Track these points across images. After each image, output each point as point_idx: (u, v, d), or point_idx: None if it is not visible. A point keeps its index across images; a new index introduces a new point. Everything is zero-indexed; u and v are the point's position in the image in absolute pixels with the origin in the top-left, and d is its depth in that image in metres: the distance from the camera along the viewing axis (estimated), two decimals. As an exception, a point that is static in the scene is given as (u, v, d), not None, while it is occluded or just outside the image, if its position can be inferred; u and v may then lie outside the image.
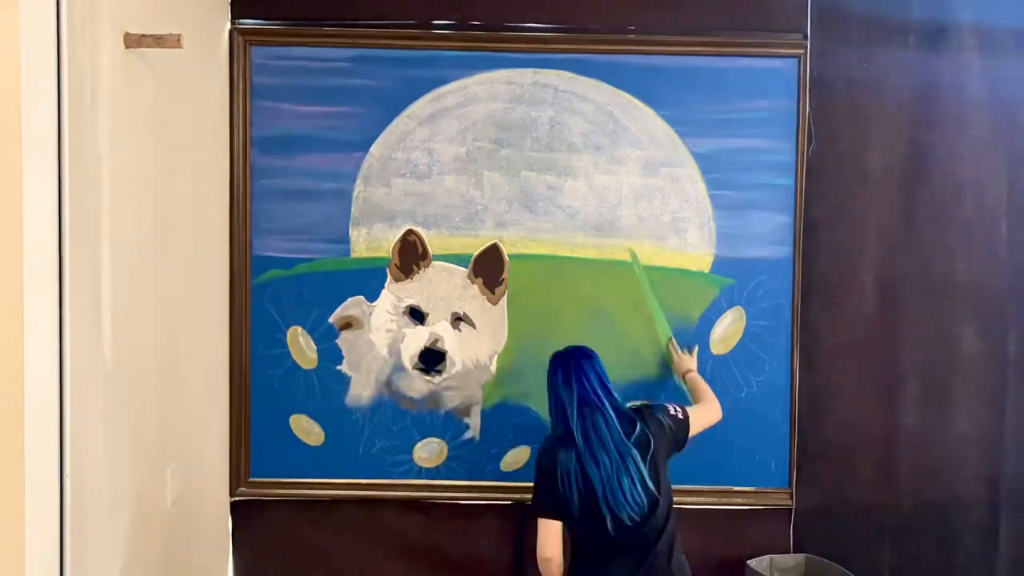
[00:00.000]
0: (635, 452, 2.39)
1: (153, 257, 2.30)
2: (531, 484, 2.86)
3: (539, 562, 2.43)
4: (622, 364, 3.01)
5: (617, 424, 2.43)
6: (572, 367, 2.51)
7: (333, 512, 3.05)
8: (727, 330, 3.04)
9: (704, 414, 2.69)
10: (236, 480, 3.02)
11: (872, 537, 3.06)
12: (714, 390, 2.99)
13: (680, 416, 2.57)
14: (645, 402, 2.71)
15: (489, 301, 3.01)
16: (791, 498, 3.05)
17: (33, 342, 1.75)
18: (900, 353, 3.04)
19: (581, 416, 2.43)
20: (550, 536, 2.41)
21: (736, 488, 3.04)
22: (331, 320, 3.00)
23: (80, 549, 1.88)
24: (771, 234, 3.02)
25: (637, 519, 2.37)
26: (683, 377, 2.93)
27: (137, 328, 2.21)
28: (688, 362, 2.94)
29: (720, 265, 3.02)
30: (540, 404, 3.02)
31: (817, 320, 3.03)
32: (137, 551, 2.24)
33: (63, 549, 1.83)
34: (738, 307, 3.03)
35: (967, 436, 3.05)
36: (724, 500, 3.05)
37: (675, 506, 2.51)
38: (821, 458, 3.04)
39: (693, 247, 3.02)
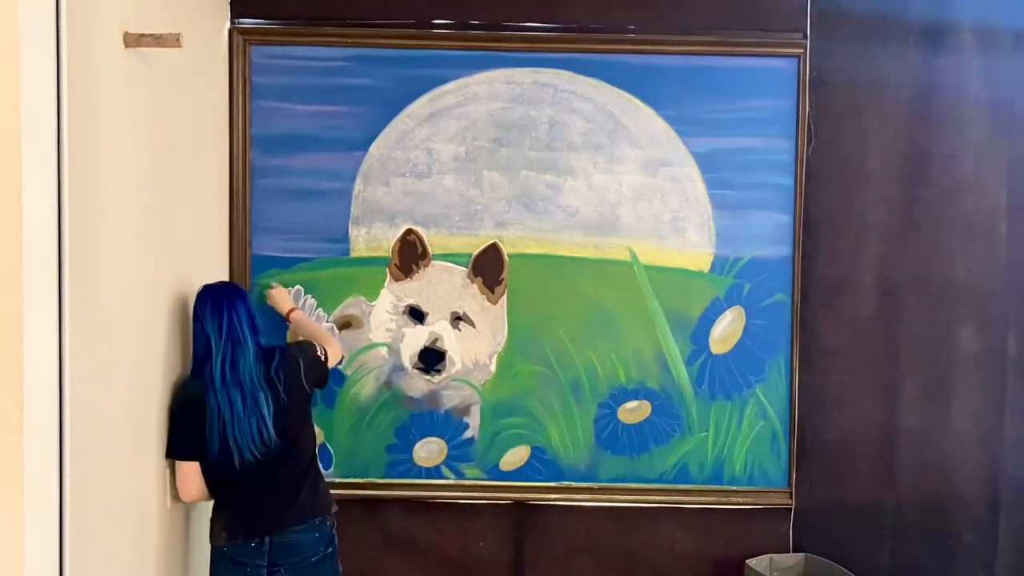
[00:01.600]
0: (266, 389, 2.39)
1: (153, 256, 2.30)
2: (530, 484, 2.88)
3: (184, 500, 2.46)
4: (622, 364, 3.01)
5: (253, 361, 2.39)
6: (224, 301, 2.43)
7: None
8: (727, 330, 3.04)
9: (334, 351, 2.72)
10: (236, 480, 3.01)
11: (872, 537, 3.06)
12: (713, 389, 3.00)
13: (323, 358, 2.59)
14: (293, 342, 2.71)
15: (489, 300, 3.01)
16: (791, 498, 3.05)
17: (33, 342, 1.75)
18: (900, 353, 3.04)
19: (224, 350, 2.38)
20: (190, 478, 2.40)
21: (736, 488, 3.04)
22: (331, 320, 3.00)
23: (80, 549, 1.87)
24: (771, 234, 3.02)
25: (259, 455, 2.36)
26: (287, 317, 2.87)
27: (137, 328, 2.20)
28: (282, 302, 2.88)
29: (720, 265, 3.02)
30: (540, 403, 3.02)
31: (817, 320, 3.03)
32: (137, 551, 2.24)
33: (63, 549, 1.82)
34: (738, 307, 3.03)
35: (967, 436, 3.05)
36: (724, 500, 3.05)
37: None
38: (821, 458, 3.04)
39: (693, 247, 3.02)
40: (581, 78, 2.99)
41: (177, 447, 2.39)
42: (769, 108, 3.00)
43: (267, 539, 2.43)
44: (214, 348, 2.37)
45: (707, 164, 3.00)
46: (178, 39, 2.09)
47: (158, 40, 2.09)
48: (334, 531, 2.54)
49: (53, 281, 1.78)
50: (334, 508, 2.56)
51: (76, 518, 1.85)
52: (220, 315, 2.40)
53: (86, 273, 1.90)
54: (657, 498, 3.05)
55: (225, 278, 2.94)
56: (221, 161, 2.91)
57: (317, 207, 2.98)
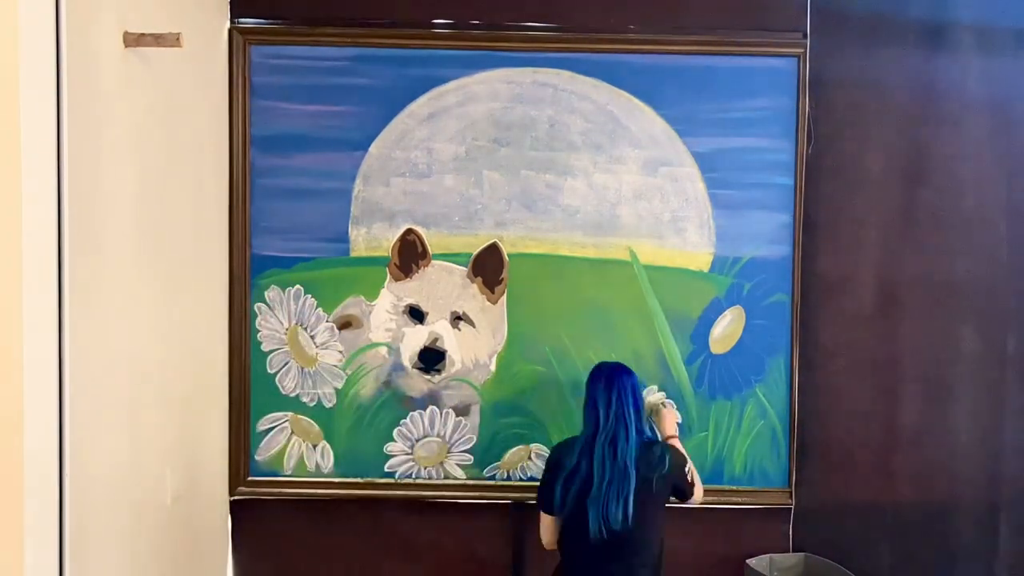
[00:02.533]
0: (637, 473, 2.46)
1: (152, 256, 2.30)
2: (530, 484, 2.87)
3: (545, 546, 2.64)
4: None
5: (635, 445, 2.48)
6: (615, 380, 2.56)
7: (333, 512, 3.05)
8: (727, 329, 3.04)
9: (700, 491, 2.71)
10: (236, 479, 3.02)
11: (872, 536, 3.06)
12: (713, 389, 3.02)
13: (690, 479, 2.63)
14: (675, 448, 2.67)
15: (489, 300, 3.01)
16: (791, 498, 3.05)
17: (33, 342, 1.75)
18: (900, 353, 3.04)
19: (608, 427, 2.50)
20: (547, 530, 2.61)
21: (736, 488, 3.04)
22: (331, 319, 3.00)
23: (80, 549, 1.88)
24: (771, 233, 3.02)
25: (614, 530, 2.43)
26: (665, 440, 2.79)
27: (137, 327, 2.20)
28: (669, 424, 2.85)
29: (720, 264, 3.02)
30: (540, 403, 3.02)
31: (817, 320, 3.03)
32: (137, 551, 2.24)
33: (63, 549, 1.82)
34: (738, 306, 3.03)
35: (967, 435, 3.05)
36: (724, 500, 3.05)
37: (671, 502, 2.57)
38: (821, 458, 3.04)
39: (693, 246, 3.02)
40: (581, 78, 2.98)
41: (545, 501, 2.58)
42: (769, 108, 3.00)
43: None
44: (601, 422, 2.51)
45: (707, 164, 3.00)
46: (178, 39, 2.09)
47: (158, 40, 2.10)
48: None
49: (53, 281, 1.79)
50: None
51: (76, 518, 1.85)
52: (610, 393, 2.53)
53: (86, 273, 1.90)
54: (657, 498, 3.05)
55: (225, 278, 2.95)
56: (221, 161, 2.91)
57: (317, 207, 2.98)
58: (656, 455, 2.51)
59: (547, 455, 2.79)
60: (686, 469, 2.61)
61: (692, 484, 2.63)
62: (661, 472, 2.49)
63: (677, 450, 2.65)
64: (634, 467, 2.46)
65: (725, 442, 3.05)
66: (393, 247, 3.00)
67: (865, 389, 3.05)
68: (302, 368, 3.02)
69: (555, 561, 2.92)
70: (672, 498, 2.60)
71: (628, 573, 2.48)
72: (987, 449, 3.06)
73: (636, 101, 2.99)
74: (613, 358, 2.99)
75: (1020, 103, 3.02)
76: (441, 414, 3.03)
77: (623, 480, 2.44)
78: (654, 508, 2.51)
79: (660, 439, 2.74)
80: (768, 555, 3.00)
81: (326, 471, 3.02)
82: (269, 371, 3.01)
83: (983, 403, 3.05)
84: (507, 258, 3.00)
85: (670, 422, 2.85)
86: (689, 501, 2.65)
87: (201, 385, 2.75)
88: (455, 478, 3.04)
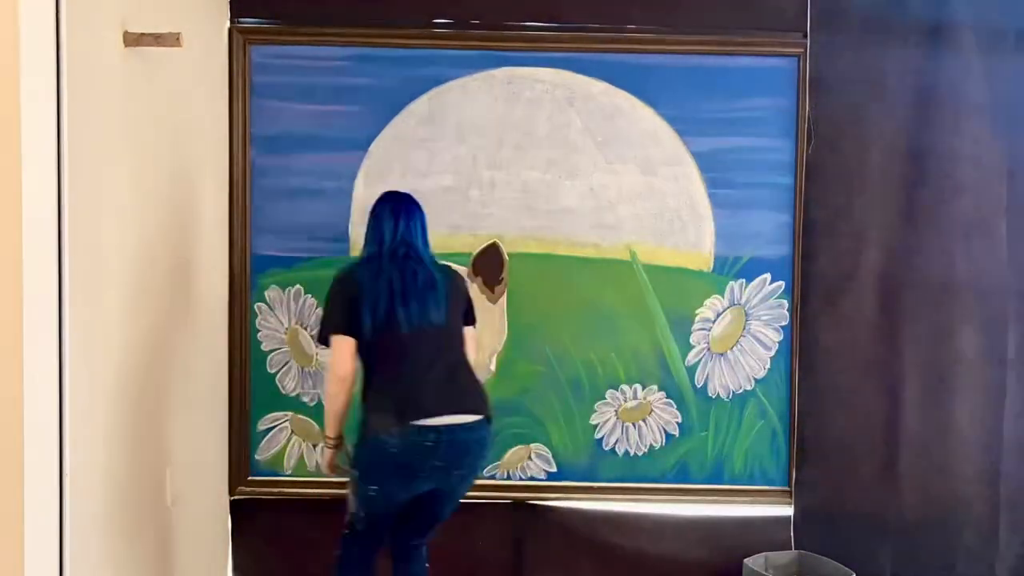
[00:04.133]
0: (440, 282, 2.42)
1: (152, 256, 2.30)
2: (530, 484, 2.88)
3: (334, 382, 2.39)
4: (622, 363, 3.01)
5: (430, 273, 2.42)
6: (404, 208, 2.50)
7: (333, 512, 3.03)
8: (726, 329, 3.04)
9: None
10: (236, 479, 3.02)
11: (872, 536, 3.06)
12: (713, 389, 3.01)
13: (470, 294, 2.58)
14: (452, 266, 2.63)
15: (489, 300, 3.01)
16: (791, 497, 3.05)
17: (33, 342, 1.75)
18: (900, 353, 3.03)
19: (397, 245, 2.43)
20: (344, 353, 2.36)
21: (736, 488, 3.04)
22: (331, 319, 3.00)
23: (80, 549, 1.88)
24: (771, 233, 3.02)
25: (424, 326, 2.35)
26: None
27: (137, 327, 2.20)
28: None
29: (720, 264, 3.02)
30: (539, 403, 3.02)
31: (817, 320, 3.03)
32: (137, 550, 2.24)
33: (63, 549, 1.82)
34: (738, 306, 3.03)
35: (967, 435, 3.05)
36: (724, 499, 3.05)
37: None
38: (821, 458, 3.04)
39: (693, 246, 3.02)
40: (581, 78, 2.98)
41: (335, 322, 2.38)
42: (769, 108, 3.00)
43: (441, 434, 2.29)
44: (387, 240, 2.43)
45: (707, 164, 3.00)
46: (178, 38, 2.09)
47: (158, 39, 2.10)
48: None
49: (53, 281, 1.79)
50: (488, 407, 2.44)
51: (76, 518, 1.85)
52: (397, 219, 2.46)
53: (86, 273, 1.90)
54: (657, 498, 3.06)
55: (225, 277, 2.95)
56: (221, 161, 2.91)
57: (317, 207, 2.98)
58: (447, 272, 2.48)
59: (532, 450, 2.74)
60: (466, 287, 2.58)
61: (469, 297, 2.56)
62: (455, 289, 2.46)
63: (455, 272, 2.59)
64: (438, 273, 2.42)
65: (725, 442, 3.05)
66: (393, 247, 2.99)
67: (865, 389, 3.04)
68: (302, 368, 3.02)
69: (557, 563, 2.94)
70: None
71: (458, 366, 2.40)
72: (987, 449, 3.05)
73: (636, 101, 2.99)
74: (613, 358, 3.01)
75: (1020, 103, 3.02)
76: (441, 414, 3.02)
77: (430, 282, 2.39)
78: (455, 321, 2.44)
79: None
80: (763, 554, 3.00)
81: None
82: (269, 371, 3.01)
83: (983, 403, 3.04)
84: (507, 258, 3.00)
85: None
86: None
87: (201, 385, 2.75)
88: (455, 478, 3.04)
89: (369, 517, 2.43)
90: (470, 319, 2.54)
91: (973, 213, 3.03)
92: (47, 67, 1.75)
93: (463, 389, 2.39)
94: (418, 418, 2.29)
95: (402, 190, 2.60)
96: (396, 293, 2.36)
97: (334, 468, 2.54)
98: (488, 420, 2.39)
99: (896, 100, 3.01)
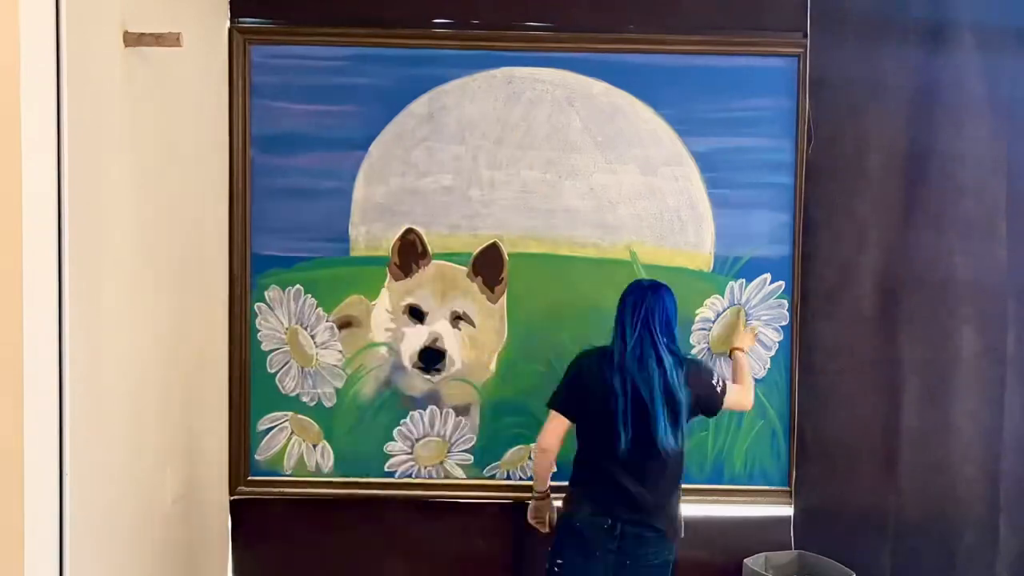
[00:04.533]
0: (683, 399, 2.49)
1: (152, 256, 2.30)
2: (530, 484, 2.87)
3: (536, 451, 2.66)
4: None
5: (671, 369, 2.49)
6: (647, 296, 2.57)
7: (333, 511, 3.05)
8: (727, 329, 3.04)
9: (739, 396, 2.76)
10: (236, 479, 3.02)
11: (872, 536, 3.06)
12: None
13: (719, 389, 2.63)
14: (697, 358, 2.74)
15: (489, 300, 3.01)
16: (791, 498, 3.05)
17: (33, 342, 1.75)
18: (900, 353, 3.03)
19: (635, 340, 2.52)
20: (554, 430, 2.61)
21: (736, 487, 3.04)
22: (331, 319, 3.00)
23: (80, 549, 1.88)
24: (771, 233, 3.02)
25: (654, 452, 2.47)
26: (731, 352, 2.96)
27: (137, 328, 2.20)
28: (745, 339, 2.97)
29: (719, 264, 3.02)
30: (540, 403, 3.02)
31: (817, 320, 3.03)
32: (137, 551, 2.24)
33: (63, 549, 1.82)
34: (738, 306, 3.03)
35: (967, 435, 3.05)
36: (724, 499, 3.05)
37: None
38: (821, 458, 3.04)
39: (692, 246, 3.02)
40: (581, 78, 2.98)
41: (559, 399, 2.61)
42: (769, 108, 3.00)
43: (619, 521, 2.50)
44: (628, 334, 2.52)
45: (707, 164, 3.00)
46: (178, 38, 2.09)
47: (158, 39, 2.10)
48: (674, 549, 2.58)
49: (53, 281, 1.79)
50: (680, 534, 2.62)
51: (76, 518, 1.85)
52: (639, 308, 2.54)
53: (86, 273, 1.90)
54: (657, 498, 3.06)
55: (225, 278, 2.95)
56: (221, 161, 2.91)
57: (317, 207, 2.98)
58: (681, 366, 2.53)
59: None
60: (714, 381, 2.62)
61: (722, 392, 2.62)
62: (684, 386, 2.52)
63: (697, 361, 2.72)
64: (662, 385, 2.48)
65: (725, 442, 3.05)
66: (393, 247, 2.99)
67: (865, 389, 3.04)
68: (302, 368, 3.02)
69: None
70: (703, 414, 2.63)
71: (650, 485, 2.51)
72: (987, 449, 3.05)
73: (636, 101, 2.99)
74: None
75: (1020, 103, 3.02)
76: (441, 414, 3.03)
77: (671, 400, 2.47)
78: (681, 432, 2.54)
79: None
80: (763, 554, 3.00)
81: (326, 471, 3.03)
82: (269, 371, 3.01)
83: (983, 403, 3.05)
84: (507, 258, 3.00)
85: (743, 336, 2.97)
86: (724, 407, 2.63)
87: (201, 385, 2.75)
88: (455, 478, 3.04)
89: None
90: (714, 404, 2.62)
91: (973, 213, 3.03)
92: (47, 67, 1.75)
93: (652, 501, 2.52)
94: (597, 512, 2.53)
95: (645, 281, 2.68)
96: (619, 411, 2.48)
97: (538, 519, 2.76)
98: (665, 535, 2.53)
99: (896, 100, 3.01)
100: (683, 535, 2.63)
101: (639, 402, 2.47)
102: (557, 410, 2.61)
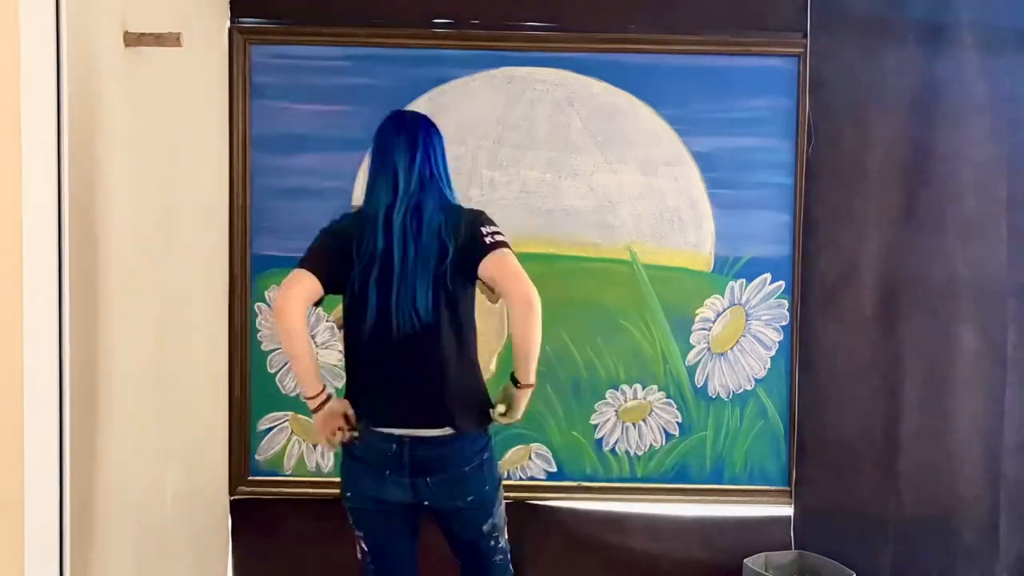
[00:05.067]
0: (451, 251, 2.05)
1: (152, 256, 2.30)
2: (530, 484, 2.88)
3: (281, 332, 2.05)
4: (622, 363, 3.01)
5: (441, 212, 2.07)
6: (421, 136, 2.12)
7: (333, 511, 3.03)
8: (727, 329, 3.04)
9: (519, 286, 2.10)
10: (236, 479, 3.02)
11: (872, 537, 3.06)
12: (713, 388, 3.02)
13: (487, 241, 2.06)
14: (474, 208, 2.22)
15: (489, 300, 3.01)
16: (791, 498, 3.05)
17: (33, 341, 1.75)
18: (900, 353, 3.03)
19: (410, 193, 2.08)
20: (297, 295, 2.02)
21: (736, 488, 3.04)
22: (331, 319, 3.00)
23: (80, 548, 1.88)
24: (771, 233, 3.02)
25: (414, 328, 2.04)
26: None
27: (137, 327, 2.20)
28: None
29: (720, 264, 3.02)
30: (540, 403, 3.02)
31: (817, 320, 3.03)
32: (137, 550, 2.24)
33: (63, 548, 1.82)
34: (738, 306, 3.03)
35: (967, 435, 3.04)
36: (724, 499, 3.05)
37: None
38: (821, 458, 3.04)
39: (693, 246, 3.02)
40: (581, 78, 2.98)
41: (307, 258, 2.09)
42: (769, 108, 3.00)
43: (407, 443, 2.05)
44: (401, 186, 2.07)
45: (707, 163, 3.00)
46: (178, 38, 2.09)
47: (158, 39, 2.10)
48: (491, 446, 2.18)
49: (53, 281, 1.78)
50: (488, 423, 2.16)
51: (76, 518, 1.85)
52: (414, 150, 2.10)
53: (86, 273, 1.90)
54: (657, 498, 3.06)
55: (225, 277, 2.95)
56: (221, 160, 2.91)
57: (317, 207, 2.97)
58: (457, 217, 2.09)
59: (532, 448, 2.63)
60: (484, 230, 2.08)
61: (489, 247, 2.05)
62: (458, 235, 2.06)
63: (475, 211, 2.16)
64: (450, 238, 2.03)
65: (725, 442, 3.05)
66: (393, 247, 2.99)
67: (865, 389, 3.04)
68: (302, 368, 3.01)
69: (557, 563, 2.93)
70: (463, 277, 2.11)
71: (435, 374, 2.07)
72: (987, 449, 3.05)
73: (636, 101, 2.99)
74: (613, 358, 3.00)
75: (1020, 103, 3.02)
76: (441, 414, 3.02)
77: (428, 259, 2.03)
78: (463, 288, 2.10)
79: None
80: (763, 554, 3.00)
81: (326, 471, 3.02)
82: (269, 371, 3.01)
83: (983, 403, 3.04)
84: (507, 258, 2.99)
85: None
86: (481, 270, 2.06)
87: (201, 385, 2.75)
88: (455, 478, 3.04)
89: (361, 531, 2.23)
90: (484, 249, 2.05)
91: (973, 213, 3.02)
92: (47, 67, 1.75)
93: (439, 398, 2.09)
94: (379, 425, 2.10)
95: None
96: (397, 264, 2.01)
97: (337, 431, 2.16)
98: (462, 433, 2.10)
99: (896, 100, 3.00)
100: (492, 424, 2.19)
101: (408, 265, 2.02)
102: (305, 268, 2.05)
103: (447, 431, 2.10)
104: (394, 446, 2.08)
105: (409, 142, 2.13)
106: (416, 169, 2.10)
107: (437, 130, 2.21)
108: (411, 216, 2.06)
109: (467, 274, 2.10)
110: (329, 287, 2.08)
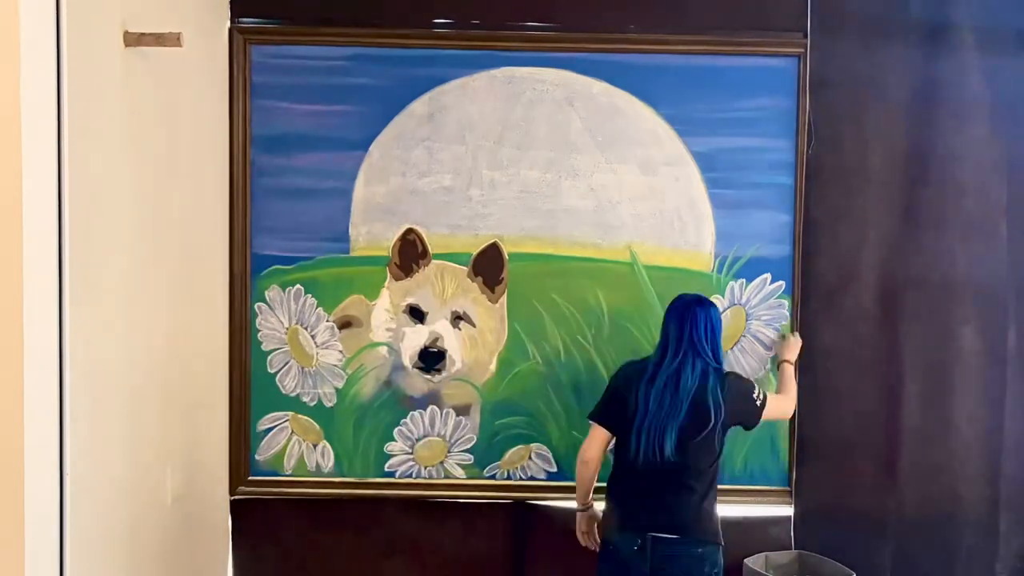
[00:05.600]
0: (692, 404, 2.51)
1: (153, 256, 2.30)
2: (530, 484, 2.88)
3: (578, 463, 2.68)
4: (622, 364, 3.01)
5: (700, 375, 2.53)
6: (688, 311, 2.59)
7: (333, 511, 3.05)
8: (727, 329, 3.03)
9: (780, 404, 2.78)
10: (236, 479, 3.02)
11: (872, 537, 3.06)
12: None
13: (758, 403, 2.63)
14: (736, 375, 2.72)
15: (489, 300, 3.01)
16: (791, 498, 3.05)
17: (33, 342, 1.75)
18: (900, 353, 3.03)
19: (676, 357, 2.54)
20: (594, 441, 2.65)
21: (736, 487, 3.03)
22: (331, 319, 3.00)
23: (80, 548, 1.88)
24: (771, 233, 3.02)
25: (657, 461, 2.50)
26: (778, 364, 2.97)
27: (137, 327, 2.21)
28: (791, 351, 2.95)
29: (720, 264, 3.02)
30: (540, 403, 3.02)
31: (817, 320, 3.02)
32: (137, 550, 2.24)
33: (63, 548, 1.82)
34: (738, 306, 3.03)
35: (967, 436, 3.05)
36: (724, 499, 3.03)
37: None
38: (821, 458, 3.04)
39: (693, 246, 3.02)
40: (582, 78, 2.98)
41: (599, 410, 2.65)
42: (769, 108, 3.00)
43: (648, 540, 2.51)
44: (669, 354, 2.55)
45: (707, 163, 3.00)
46: (178, 38, 2.09)
47: (158, 39, 2.10)
48: (720, 560, 2.57)
49: (53, 281, 1.79)
50: (721, 541, 2.59)
51: (76, 517, 1.85)
52: (682, 325, 2.57)
53: (86, 272, 1.90)
54: (657, 498, 3.06)
55: (225, 278, 2.95)
56: (221, 161, 2.91)
57: (317, 206, 2.98)
58: (716, 380, 2.55)
59: (549, 451, 2.90)
60: (755, 395, 2.63)
61: (761, 406, 2.62)
62: (721, 401, 2.53)
63: (738, 376, 2.71)
64: (690, 396, 2.50)
65: (725, 442, 3.04)
66: (393, 247, 3.00)
67: (865, 389, 3.04)
68: (302, 368, 3.02)
69: (557, 563, 2.94)
70: (740, 426, 2.63)
71: (677, 497, 2.54)
72: (987, 449, 3.05)
73: (636, 101, 2.99)
74: (614, 358, 3.00)
75: (1020, 103, 3.02)
76: (441, 414, 3.03)
77: (677, 413, 2.50)
78: (710, 437, 2.53)
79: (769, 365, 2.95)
80: (763, 554, 3.00)
81: (326, 471, 3.03)
82: (269, 371, 3.01)
83: (983, 403, 3.04)
84: (507, 258, 3.00)
85: (789, 347, 2.95)
86: (762, 419, 2.64)
87: (201, 385, 2.75)
88: (455, 478, 3.04)
89: None
90: (751, 418, 2.63)
91: (973, 213, 3.02)
92: (47, 67, 1.75)
93: (680, 517, 2.54)
94: (627, 528, 2.56)
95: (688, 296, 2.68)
96: (651, 414, 2.52)
97: (585, 534, 2.76)
98: (697, 548, 2.53)
99: (896, 100, 3.00)
100: (722, 543, 2.58)
101: (660, 415, 2.51)
102: (595, 420, 2.64)
103: (685, 542, 2.54)
104: (638, 540, 2.53)
105: (682, 313, 2.61)
106: (685, 336, 2.57)
107: (714, 307, 2.65)
108: (671, 377, 2.54)
109: (744, 425, 2.66)
110: (615, 431, 2.63)
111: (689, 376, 2.52)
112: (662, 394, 2.51)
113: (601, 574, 2.62)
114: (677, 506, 2.53)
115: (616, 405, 2.60)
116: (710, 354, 2.56)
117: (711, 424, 2.50)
